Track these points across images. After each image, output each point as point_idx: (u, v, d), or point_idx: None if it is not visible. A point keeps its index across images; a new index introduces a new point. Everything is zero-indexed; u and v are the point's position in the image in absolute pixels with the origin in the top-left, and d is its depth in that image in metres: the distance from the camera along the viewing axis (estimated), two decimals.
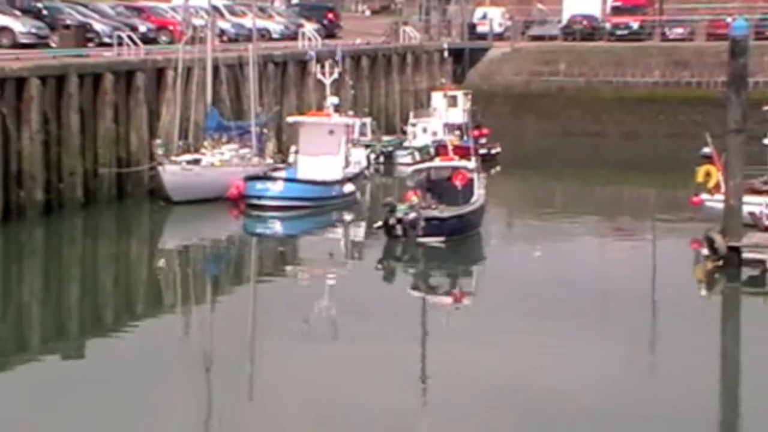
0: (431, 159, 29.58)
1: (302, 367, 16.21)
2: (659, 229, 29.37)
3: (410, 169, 27.57)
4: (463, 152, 37.89)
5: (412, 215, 23.73)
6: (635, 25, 51.83)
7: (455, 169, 25.36)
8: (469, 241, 24.78)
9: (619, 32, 51.66)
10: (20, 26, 34.16)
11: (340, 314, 19.84)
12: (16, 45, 33.24)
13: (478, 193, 25.29)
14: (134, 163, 30.01)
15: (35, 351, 17.88)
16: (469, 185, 25.08)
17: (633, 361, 16.72)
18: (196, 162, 29.70)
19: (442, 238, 23.92)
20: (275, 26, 45.86)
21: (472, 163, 25.83)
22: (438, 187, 25.19)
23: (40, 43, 34.25)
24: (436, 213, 24.14)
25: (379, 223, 24.37)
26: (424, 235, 23.73)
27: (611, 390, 15.30)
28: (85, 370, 16.56)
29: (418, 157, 37.47)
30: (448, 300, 21.47)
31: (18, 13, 35.28)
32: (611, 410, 14.57)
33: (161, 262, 25.28)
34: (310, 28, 42.20)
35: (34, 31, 34.60)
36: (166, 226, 28.81)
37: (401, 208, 24.04)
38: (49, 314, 20.42)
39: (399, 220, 23.70)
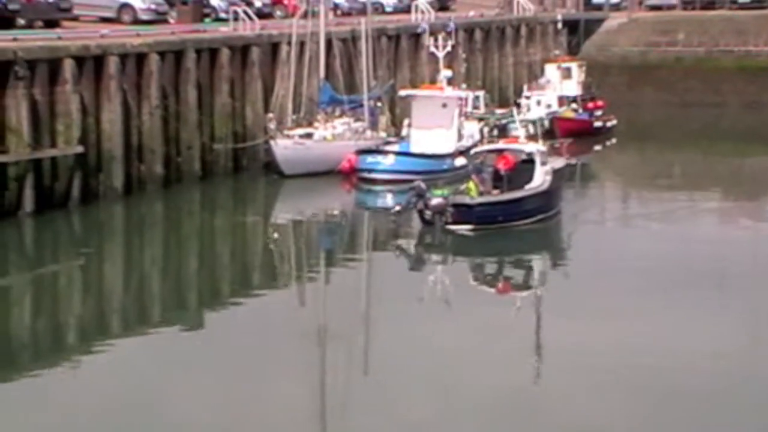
0: (496, 140, 28.00)
1: (417, 340, 16.23)
2: None
3: (473, 151, 26.16)
4: (577, 125, 37.46)
5: (436, 201, 22.58)
6: None
7: (499, 152, 23.95)
8: (512, 230, 22.78)
9: (741, 0, 49.97)
10: (140, 3, 35.01)
11: (453, 287, 19.81)
12: (137, 21, 34.04)
13: (543, 179, 23.63)
14: (250, 137, 30.48)
15: (156, 321, 18.36)
16: (515, 169, 23.49)
17: (751, 336, 16.24)
18: (309, 136, 29.96)
19: (469, 226, 22.52)
20: (388, 0, 45.82)
21: (530, 147, 24.21)
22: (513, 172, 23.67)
23: (159, 19, 35.00)
24: (466, 200, 22.79)
25: (398, 208, 23.42)
26: (453, 222, 22.50)
27: (726, 365, 14.93)
28: (205, 340, 16.92)
29: (531, 130, 37.03)
30: (551, 277, 21.10)
31: None
32: (725, 385, 14.22)
33: (276, 235, 25.64)
34: (423, 0, 42.01)
35: (153, 7, 35.41)
36: (280, 199, 29.20)
37: (436, 193, 22.95)
38: (169, 285, 20.95)
39: (426, 206, 22.63)
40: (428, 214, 22.71)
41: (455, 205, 22.62)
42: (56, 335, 17.57)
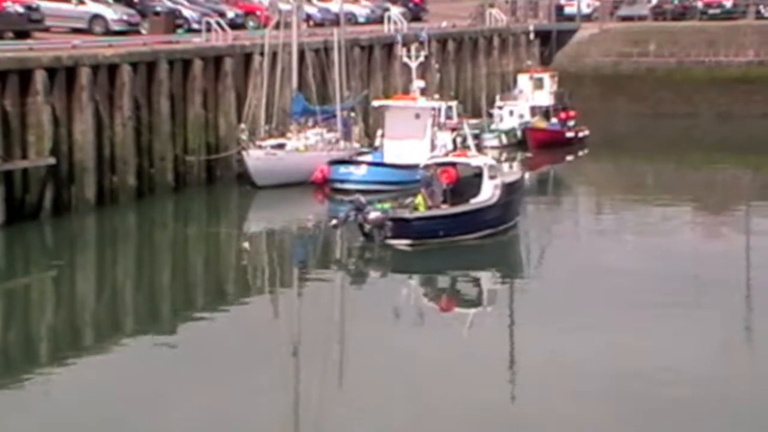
0: (452, 152, 27.51)
1: (390, 352, 16.24)
2: (754, 212, 28.64)
3: (422, 164, 25.43)
4: (549, 136, 37.68)
5: (374, 215, 22.11)
6: (728, 4, 50.61)
7: (446, 166, 23.43)
8: (455, 246, 22.21)
9: (711, 11, 50.51)
10: (112, 14, 34.97)
11: (427, 300, 19.83)
12: (109, 32, 33.96)
13: (492, 192, 22.95)
14: (223, 148, 30.44)
15: (129, 332, 18.27)
16: (462, 183, 23.07)
17: (728, 347, 16.35)
18: (281, 147, 29.95)
19: (408, 241, 22.13)
20: (361, 10, 46.01)
21: (478, 160, 23.80)
22: (458, 185, 23.22)
23: (131, 30, 34.93)
24: (405, 214, 22.39)
25: (335, 222, 22.86)
26: (392, 237, 22.03)
27: (708, 376, 15.02)
28: (177, 352, 16.86)
29: (504, 140, 37.21)
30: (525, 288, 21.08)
31: (110, 0, 36.05)
32: (709, 396, 14.31)
33: (249, 246, 25.59)
34: (395, 11, 42.16)
35: (125, 18, 35.36)
36: (252, 210, 29.15)
37: (378, 207, 22.57)
38: (142, 296, 20.87)
39: (365, 219, 22.11)
40: (367, 227, 22.30)
41: (393, 220, 22.20)
42: (28, 348, 17.45)
